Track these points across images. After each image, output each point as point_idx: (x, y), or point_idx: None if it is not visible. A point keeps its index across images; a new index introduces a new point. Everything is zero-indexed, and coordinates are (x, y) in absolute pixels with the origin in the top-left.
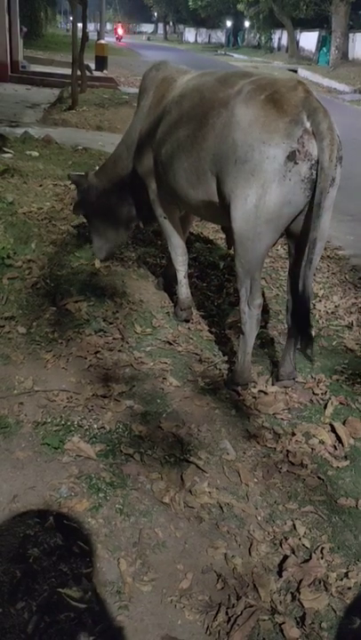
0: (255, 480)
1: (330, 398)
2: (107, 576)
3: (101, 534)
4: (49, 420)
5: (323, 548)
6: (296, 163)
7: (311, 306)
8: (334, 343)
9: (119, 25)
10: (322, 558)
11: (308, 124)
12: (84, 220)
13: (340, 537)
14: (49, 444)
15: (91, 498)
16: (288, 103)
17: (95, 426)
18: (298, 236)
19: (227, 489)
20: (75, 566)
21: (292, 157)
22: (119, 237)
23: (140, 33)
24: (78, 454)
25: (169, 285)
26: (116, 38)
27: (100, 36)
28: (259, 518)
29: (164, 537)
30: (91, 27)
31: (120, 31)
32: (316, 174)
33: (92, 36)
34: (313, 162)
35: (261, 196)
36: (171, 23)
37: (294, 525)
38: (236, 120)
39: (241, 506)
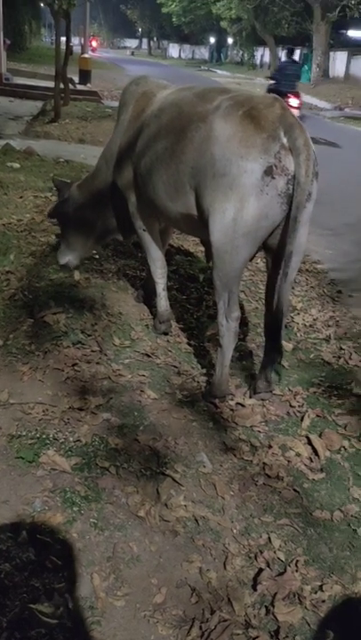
0: (231, 493)
1: (307, 411)
2: (80, 591)
3: (75, 549)
4: (24, 434)
5: (298, 561)
6: (273, 177)
7: (289, 319)
8: (312, 356)
9: (93, 38)
10: (297, 571)
11: (284, 140)
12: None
13: (315, 550)
14: (23, 458)
15: (65, 512)
16: (265, 119)
17: (71, 439)
18: (275, 250)
19: (203, 502)
20: (47, 581)
21: (269, 172)
22: (86, 250)
23: (125, 48)
24: (53, 468)
25: (148, 298)
26: (91, 50)
27: (83, 49)
28: (234, 531)
29: (138, 551)
30: (75, 40)
31: (94, 44)
32: (293, 189)
33: (77, 49)
34: (290, 177)
35: (239, 209)
36: (155, 39)
37: (270, 538)
38: (214, 135)
39: (217, 519)
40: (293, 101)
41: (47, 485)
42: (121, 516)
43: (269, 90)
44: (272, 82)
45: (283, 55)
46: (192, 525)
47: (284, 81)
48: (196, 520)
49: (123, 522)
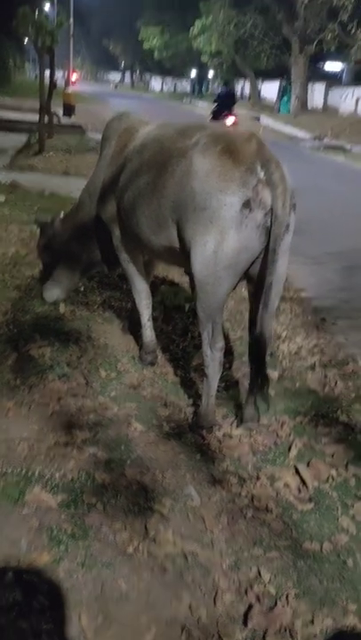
0: (220, 526)
1: (294, 440)
2: (68, 632)
3: (62, 588)
4: (9, 471)
5: (288, 595)
6: (251, 210)
7: (274, 347)
8: (298, 384)
9: (73, 71)
10: (287, 605)
11: (261, 174)
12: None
13: (306, 582)
14: (9, 496)
15: (52, 551)
16: (243, 154)
17: (57, 475)
18: (256, 280)
19: (191, 537)
20: (34, 623)
21: (247, 205)
22: (72, 283)
23: (108, 81)
24: (39, 505)
25: (134, 329)
26: (71, 83)
27: (67, 83)
28: (224, 566)
29: (127, 589)
30: (59, 74)
31: (75, 77)
32: (271, 221)
33: (61, 82)
34: (267, 209)
35: (220, 241)
36: (137, 72)
37: (259, 572)
38: (194, 169)
39: (206, 554)
40: (230, 119)
41: (33, 524)
42: (109, 553)
43: (214, 111)
44: (215, 105)
45: (221, 86)
46: (181, 561)
47: (223, 105)
48: (185, 555)
49: (111, 559)
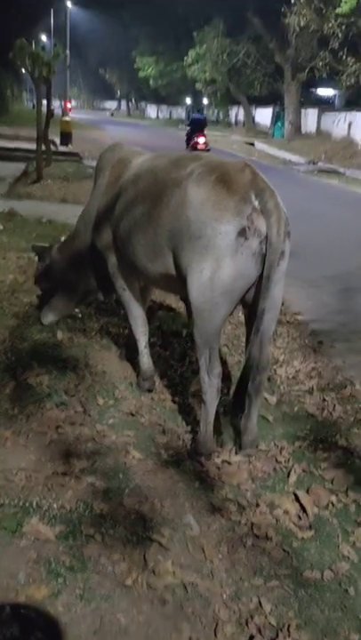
0: (220, 556)
1: (293, 466)
2: None
3: (61, 623)
4: (6, 502)
5: (289, 626)
6: (247, 238)
7: (272, 371)
8: (296, 408)
9: (67, 101)
10: (289, 636)
11: (256, 203)
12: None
13: (307, 612)
14: (6, 528)
15: (50, 584)
16: (237, 183)
17: (55, 506)
18: (252, 306)
19: (191, 567)
20: None
21: (242, 233)
22: (68, 309)
23: (104, 109)
24: (37, 537)
25: (132, 355)
26: (68, 110)
27: (64, 112)
28: (224, 596)
29: (126, 622)
30: (56, 103)
31: (69, 105)
32: (266, 249)
33: (58, 111)
34: (262, 237)
35: (216, 269)
36: (133, 100)
37: (260, 602)
38: (189, 199)
39: (206, 584)
40: (201, 139)
41: (31, 556)
42: (107, 585)
43: (187, 133)
44: (188, 128)
45: (194, 110)
46: (181, 592)
47: (196, 127)
48: (185, 586)
49: (109, 592)
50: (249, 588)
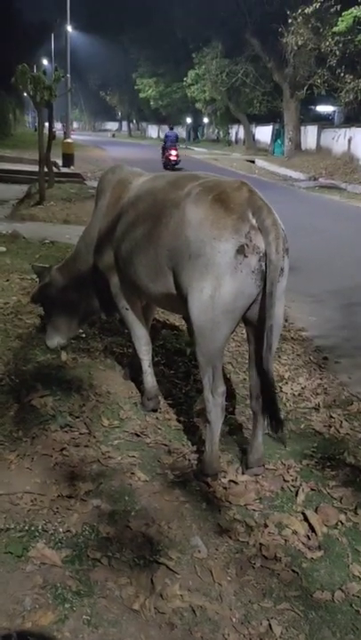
0: (228, 578)
1: (301, 485)
2: None
3: None
4: (12, 526)
5: None
6: (246, 256)
7: (278, 388)
8: (302, 426)
9: (68, 125)
10: None
11: (253, 221)
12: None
13: (318, 635)
14: (12, 553)
15: (56, 609)
16: (234, 202)
17: (61, 529)
18: (254, 324)
19: (199, 590)
20: None
21: (241, 251)
22: (71, 331)
23: (106, 130)
24: (43, 562)
25: (136, 375)
26: (71, 131)
27: (66, 134)
28: (233, 620)
29: None
30: (58, 125)
31: (71, 127)
32: (266, 266)
33: (60, 134)
34: (261, 254)
35: (216, 287)
36: (134, 121)
37: (270, 625)
38: (187, 219)
39: (214, 608)
40: (173, 152)
41: (37, 581)
42: (115, 610)
43: (162, 147)
44: (164, 142)
45: (168, 129)
46: (189, 616)
47: (169, 143)
48: (193, 610)
49: (117, 617)
50: (259, 611)
